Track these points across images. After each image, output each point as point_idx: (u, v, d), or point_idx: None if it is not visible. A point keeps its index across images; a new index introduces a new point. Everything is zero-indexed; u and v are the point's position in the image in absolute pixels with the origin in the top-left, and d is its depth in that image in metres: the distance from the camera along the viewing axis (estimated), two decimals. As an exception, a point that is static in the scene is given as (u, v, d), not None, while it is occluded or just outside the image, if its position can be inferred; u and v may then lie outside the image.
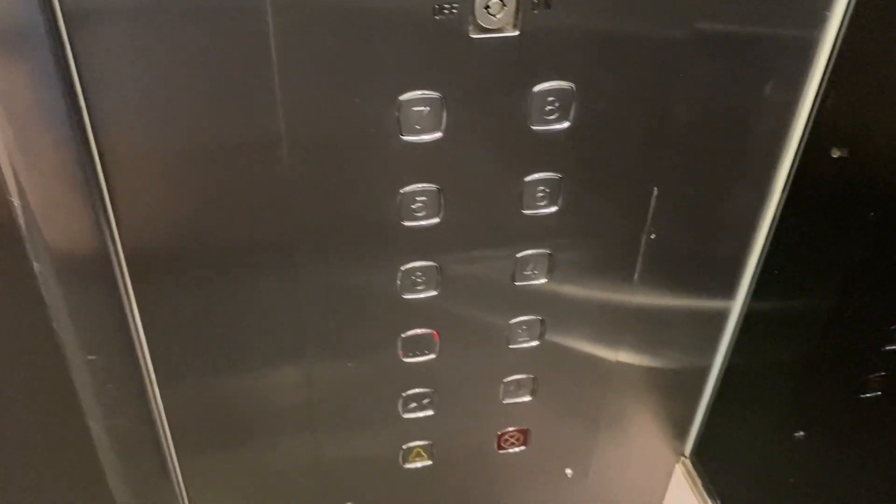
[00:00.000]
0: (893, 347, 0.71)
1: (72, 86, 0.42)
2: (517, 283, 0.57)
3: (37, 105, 0.42)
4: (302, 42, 0.42)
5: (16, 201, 0.45)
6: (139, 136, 0.45)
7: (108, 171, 0.46)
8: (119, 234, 0.48)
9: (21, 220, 0.46)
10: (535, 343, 0.61)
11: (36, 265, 0.48)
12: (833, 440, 0.78)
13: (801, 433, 0.76)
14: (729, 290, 0.63)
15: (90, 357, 0.53)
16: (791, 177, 0.54)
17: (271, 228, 0.50)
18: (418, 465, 0.68)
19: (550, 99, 0.47)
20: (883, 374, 0.73)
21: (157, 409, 0.59)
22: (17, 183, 0.45)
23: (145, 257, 0.50)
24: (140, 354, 0.55)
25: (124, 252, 0.49)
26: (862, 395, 0.74)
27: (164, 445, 0.61)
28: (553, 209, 0.53)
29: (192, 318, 0.54)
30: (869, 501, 0.81)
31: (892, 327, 0.69)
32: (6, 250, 0.47)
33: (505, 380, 0.63)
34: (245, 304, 0.54)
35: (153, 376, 0.56)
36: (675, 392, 0.71)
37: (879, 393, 0.75)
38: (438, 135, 0.47)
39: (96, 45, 0.41)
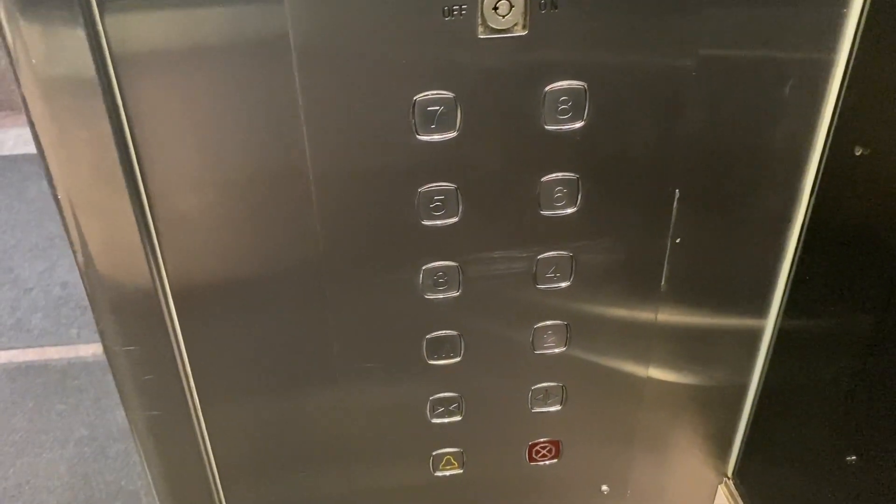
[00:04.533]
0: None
1: (121, 127, 0.46)
2: (539, 286, 0.57)
3: (90, 145, 0.46)
4: (320, 49, 0.45)
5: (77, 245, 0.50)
6: (181, 173, 0.49)
7: (155, 207, 0.50)
8: (165, 264, 0.52)
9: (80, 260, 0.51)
10: (561, 349, 0.61)
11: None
12: (889, 466, 0.74)
13: (853, 457, 0.73)
14: (761, 303, 0.61)
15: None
16: (818, 178, 0.53)
17: (297, 236, 0.53)
18: (449, 472, 0.68)
19: (563, 98, 0.48)
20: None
21: (202, 430, 0.61)
22: (77, 226, 0.49)
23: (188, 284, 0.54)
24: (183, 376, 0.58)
25: (169, 282, 0.53)
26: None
27: (209, 469, 0.64)
28: (572, 210, 0.53)
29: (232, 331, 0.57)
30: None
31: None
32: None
33: (533, 387, 0.63)
34: (275, 314, 0.56)
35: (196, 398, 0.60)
36: (712, 409, 0.69)
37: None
38: (453, 134, 0.49)
39: (143, 88, 0.45)
